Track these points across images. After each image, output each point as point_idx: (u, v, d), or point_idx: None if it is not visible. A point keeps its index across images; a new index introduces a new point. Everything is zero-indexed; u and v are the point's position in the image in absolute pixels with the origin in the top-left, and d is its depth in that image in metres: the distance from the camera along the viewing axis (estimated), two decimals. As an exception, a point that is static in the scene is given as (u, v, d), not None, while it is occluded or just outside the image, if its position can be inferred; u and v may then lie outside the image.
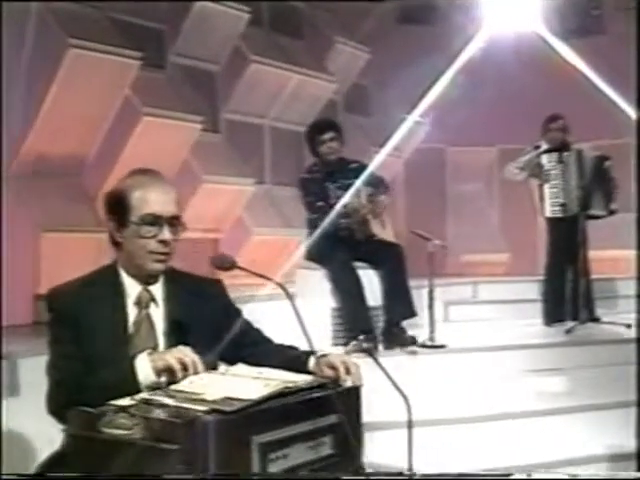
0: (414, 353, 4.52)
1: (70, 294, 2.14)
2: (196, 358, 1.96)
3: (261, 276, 2.16)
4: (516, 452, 3.48)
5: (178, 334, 2.13)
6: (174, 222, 2.17)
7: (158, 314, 2.17)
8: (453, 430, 3.70)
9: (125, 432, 1.60)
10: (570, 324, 5.31)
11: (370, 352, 2.12)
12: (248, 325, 2.32)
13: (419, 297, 4.74)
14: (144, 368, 1.94)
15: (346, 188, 4.75)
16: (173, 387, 1.84)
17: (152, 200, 2.14)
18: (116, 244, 2.20)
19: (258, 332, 2.34)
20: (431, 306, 4.75)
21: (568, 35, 6.99)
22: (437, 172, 8.25)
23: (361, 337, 4.42)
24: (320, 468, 1.82)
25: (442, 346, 4.64)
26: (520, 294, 6.17)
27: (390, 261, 4.62)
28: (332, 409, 1.87)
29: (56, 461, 1.99)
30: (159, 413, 1.63)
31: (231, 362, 2.16)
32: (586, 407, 3.92)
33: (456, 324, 5.75)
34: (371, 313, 4.59)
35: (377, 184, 4.90)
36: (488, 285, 6.54)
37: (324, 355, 2.11)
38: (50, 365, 2.08)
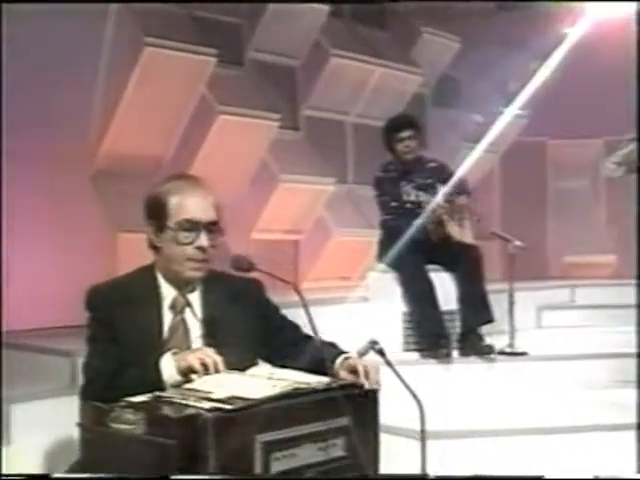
0: (492, 361, 4.55)
1: (107, 294, 2.31)
2: (218, 358, 2.10)
3: (280, 279, 2.28)
4: (596, 466, 3.46)
5: (213, 338, 2.26)
6: (212, 228, 2.28)
7: (193, 319, 2.31)
8: (523, 441, 3.73)
9: (129, 427, 1.77)
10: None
11: (382, 353, 2.16)
12: (286, 325, 2.43)
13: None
14: (168, 368, 2.10)
15: (423, 188, 4.83)
16: (187, 386, 2.00)
17: (190, 206, 2.26)
18: (155, 248, 2.33)
19: (297, 331, 2.42)
20: (511, 311, 4.77)
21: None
22: (537, 167, 8.12)
23: (433, 342, 4.51)
24: (331, 469, 1.93)
25: (523, 354, 4.64)
26: (621, 298, 6.01)
27: (466, 264, 4.66)
28: (345, 411, 1.97)
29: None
30: (162, 409, 1.79)
31: (272, 362, 2.30)
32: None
33: (548, 330, 5.71)
34: (444, 317, 4.65)
35: (456, 183, 4.95)
36: (587, 289, 6.42)
37: (348, 357, 2.21)
38: (85, 362, 2.27)
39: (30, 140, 5.22)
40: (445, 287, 4.72)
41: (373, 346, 2.16)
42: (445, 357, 4.52)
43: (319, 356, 2.27)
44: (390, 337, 4.66)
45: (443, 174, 4.93)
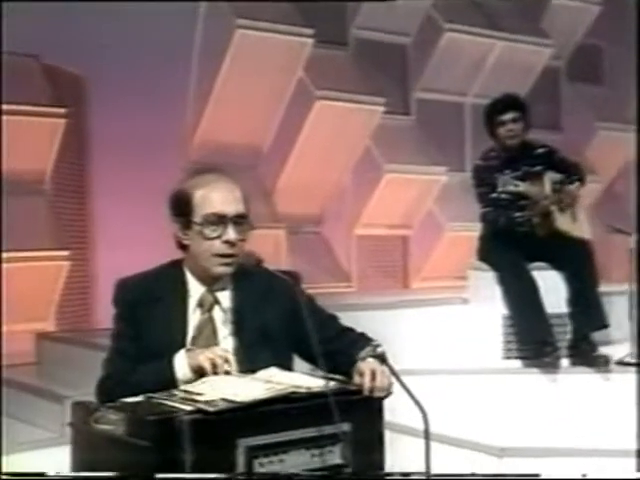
0: (607, 372, 4.47)
1: (133, 291, 2.48)
2: (229, 358, 2.26)
3: (288, 274, 2.40)
4: None
5: (242, 338, 2.41)
6: (240, 221, 2.40)
7: (222, 317, 2.45)
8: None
9: (110, 427, 1.96)
10: None
11: (383, 358, 2.23)
12: (323, 321, 2.49)
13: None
14: (182, 366, 2.28)
15: (529, 176, 4.79)
16: (183, 387, 2.17)
17: (215, 199, 2.38)
18: (182, 247, 2.47)
19: (333, 328, 2.51)
20: (632, 316, 4.65)
21: None
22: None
23: (537, 349, 4.49)
24: (325, 477, 2.04)
25: (647, 365, 4.52)
26: None
27: (577, 261, 4.60)
28: (344, 418, 2.08)
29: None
30: (142, 411, 1.97)
31: (310, 360, 2.39)
32: None
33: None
34: (552, 321, 4.60)
35: (568, 170, 4.88)
36: None
37: (361, 360, 2.29)
38: (105, 359, 2.46)
39: (123, 138, 5.61)
40: (554, 287, 4.67)
41: (374, 350, 2.24)
42: (551, 367, 4.48)
43: (342, 360, 2.37)
44: (490, 343, 4.71)
45: (553, 160, 4.87)
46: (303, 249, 6.22)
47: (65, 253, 5.65)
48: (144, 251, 5.56)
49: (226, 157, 5.92)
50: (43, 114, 5.62)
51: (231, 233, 2.38)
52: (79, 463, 2.05)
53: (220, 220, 2.38)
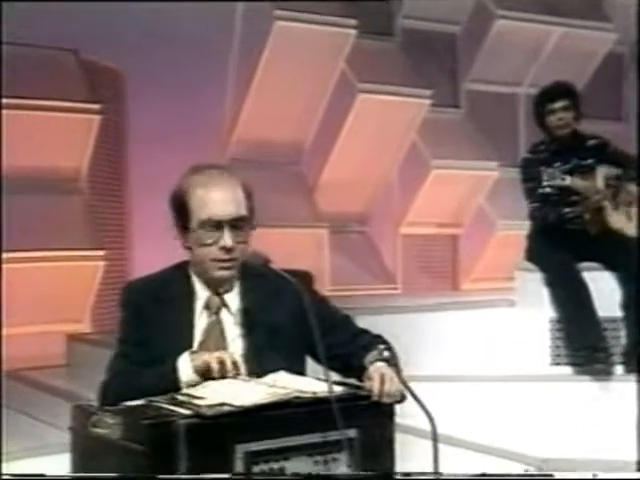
0: (666, 380, 4.40)
1: (139, 294, 2.54)
2: (237, 360, 2.30)
3: (299, 274, 2.42)
4: None
5: (251, 340, 2.44)
6: (238, 224, 2.42)
7: (230, 320, 2.49)
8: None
9: (106, 431, 2.01)
10: None
11: (392, 361, 2.23)
12: (336, 323, 2.52)
13: None
14: (185, 368, 2.31)
15: (579, 170, 4.74)
16: (184, 390, 2.21)
17: (211, 202, 2.40)
18: (187, 247, 2.50)
19: (346, 331, 2.51)
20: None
21: None
22: None
23: (588, 355, 4.44)
24: (323, 477, 2.06)
25: None
26: None
27: (631, 262, 4.52)
28: (351, 424, 2.10)
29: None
30: (138, 415, 2.01)
31: (321, 364, 2.39)
32: None
33: None
34: (604, 326, 4.55)
35: (623, 164, 4.81)
36: None
37: (370, 364, 2.30)
38: (110, 361, 2.51)
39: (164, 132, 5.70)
40: (606, 289, 4.62)
41: (381, 353, 2.24)
42: (603, 374, 4.43)
43: (355, 363, 2.38)
44: (538, 348, 4.66)
45: (605, 153, 4.81)
46: (346, 249, 6.24)
47: (101, 253, 5.77)
48: (182, 250, 5.65)
49: (266, 153, 5.98)
50: (78, 110, 5.74)
51: (227, 239, 2.40)
52: (79, 469, 2.11)
53: (216, 226, 2.40)
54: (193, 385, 2.27)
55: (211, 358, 2.29)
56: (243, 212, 2.43)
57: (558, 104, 4.77)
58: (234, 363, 2.29)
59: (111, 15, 5.63)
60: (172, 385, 2.27)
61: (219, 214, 2.39)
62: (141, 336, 2.47)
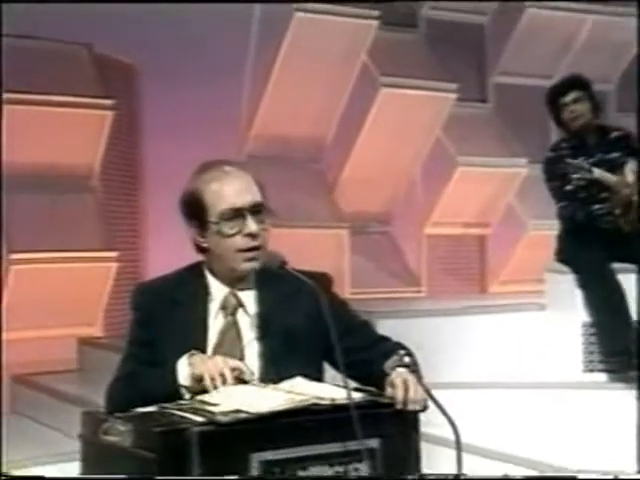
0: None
1: (150, 296, 2.54)
2: (242, 367, 2.28)
3: (318, 276, 2.40)
4: None
5: (267, 343, 2.43)
6: (258, 210, 2.43)
7: (246, 321, 2.47)
8: None
9: (117, 439, 2.00)
10: None
11: (413, 367, 2.20)
12: (354, 327, 2.51)
13: None
14: (183, 372, 2.30)
15: (606, 164, 4.69)
16: (199, 397, 2.20)
17: (228, 193, 2.41)
18: (202, 250, 2.49)
19: (364, 336, 2.50)
20: None
21: None
22: None
23: (622, 362, 4.40)
24: (335, 478, 2.04)
25: None
26: None
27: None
28: (373, 432, 2.07)
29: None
30: (150, 422, 2.00)
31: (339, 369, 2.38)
32: None
33: None
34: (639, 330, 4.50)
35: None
36: None
37: (391, 370, 2.27)
38: (119, 362, 2.52)
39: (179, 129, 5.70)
40: (641, 292, 4.58)
41: (401, 359, 2.21)
42: (638, 381, 4.38)
43: (375, 369, 2.36)
44: (570, 354, 4.63)
45: (630, 145, 4.76)
46: (368, 250, 6.20)
47: (114, 254, 5.76)
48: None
49: (284, 150, 5.96)
50: (90, 106, 5.74)
51: (251, 225, 2.40)
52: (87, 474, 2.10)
53: (237, 214, 2.40)
54: (194, 390, 2.25)
55: (206, 371, 2.25)
56: (260, 199, 2.45)
57: (569, 97, 4.76)
58: (235, 369, 2.26)
59: (125, 9, 5.64)
60: (172, 388, 2.27)
61: (239, 202, 2.40)
62: (150, 337, 2.47)
